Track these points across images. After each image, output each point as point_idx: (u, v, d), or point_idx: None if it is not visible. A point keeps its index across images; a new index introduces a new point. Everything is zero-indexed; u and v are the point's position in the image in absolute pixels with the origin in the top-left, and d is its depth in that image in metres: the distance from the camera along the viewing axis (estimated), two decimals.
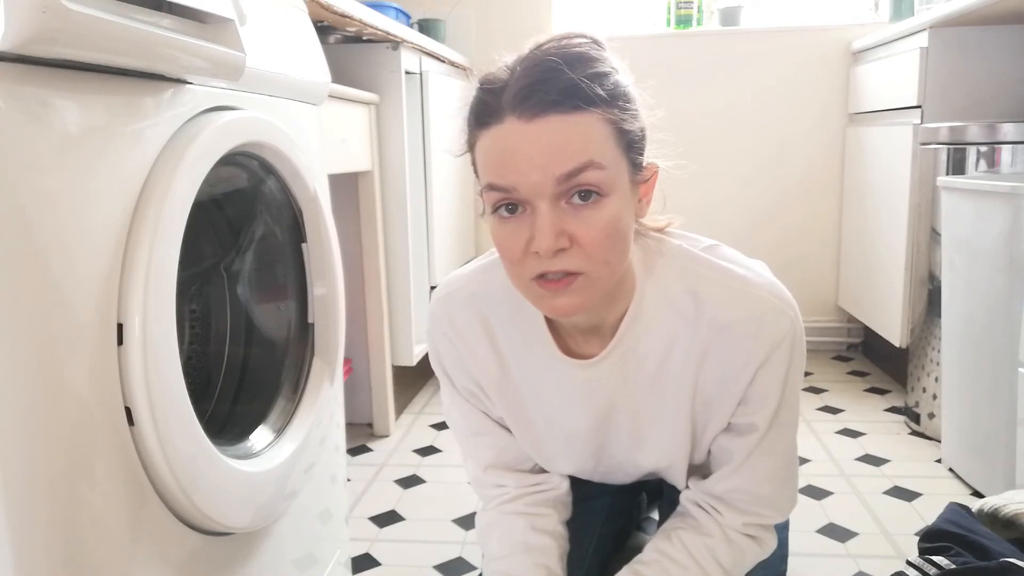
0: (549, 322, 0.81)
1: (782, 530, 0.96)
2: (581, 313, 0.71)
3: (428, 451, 1.67)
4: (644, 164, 0.73)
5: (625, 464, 0.90)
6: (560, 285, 0.68)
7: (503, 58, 0.71)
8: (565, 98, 0.65)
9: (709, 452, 0.86)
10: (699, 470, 0.89)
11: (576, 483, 0.96)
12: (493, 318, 0.84)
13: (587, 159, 0.65)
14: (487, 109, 0.68)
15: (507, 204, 0.68)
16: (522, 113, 0.66)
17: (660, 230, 0.83)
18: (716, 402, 0.81)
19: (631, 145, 0.70)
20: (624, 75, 0.72)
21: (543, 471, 0.94)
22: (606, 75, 0.69)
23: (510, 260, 0.70)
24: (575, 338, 0.82)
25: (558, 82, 0.66)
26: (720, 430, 0.83)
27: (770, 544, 0.86)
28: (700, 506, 0.86)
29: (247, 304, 0.97)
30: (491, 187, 0.68)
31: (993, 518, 0.86)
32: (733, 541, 0.84)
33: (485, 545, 0.91)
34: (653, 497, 1.25)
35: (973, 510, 0.88)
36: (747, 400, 0.79)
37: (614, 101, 0.68)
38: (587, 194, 0.66)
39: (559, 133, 0.65)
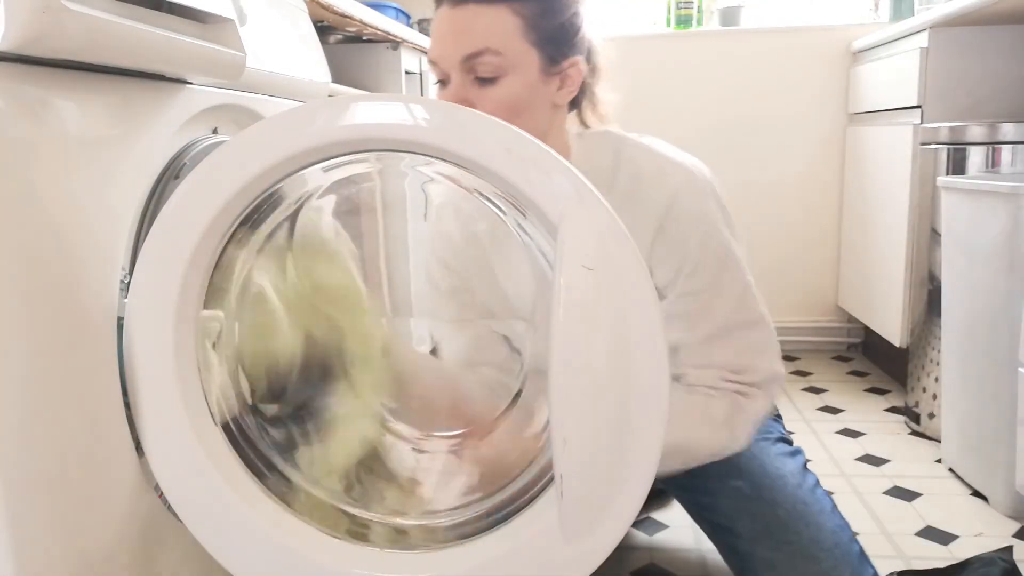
0: None
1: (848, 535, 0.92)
2: None
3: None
4: (565, 59, 0.85)
5: None
6: None
7: None
8: None
9: None
10: None
11: None
12: None
13: (484, 46, 0.80)
14: None
15: (440, 75, 0.85)
16: (451, 0, 0.81)
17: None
18: None
19: (547, 39, 0.83)
20: None
21: None
22: None
23: None
24: None
25: None
26: None
27: (762, 403, 0.87)
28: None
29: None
30: (428, 60, 0.85)
31: None
32: (716, 393, 0.86)
33: None
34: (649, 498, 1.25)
35: None
36: (661, 261, 0.86)
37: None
38: (486, 75, 0.81)
39: (468, 21, 0.80)
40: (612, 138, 0.93)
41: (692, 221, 0.86)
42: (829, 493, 0.96)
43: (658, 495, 1.20)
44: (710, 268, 0.86)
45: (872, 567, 0.88)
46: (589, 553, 0.58)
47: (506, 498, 0.70)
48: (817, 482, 0.95)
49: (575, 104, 0.94)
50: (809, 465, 1.56)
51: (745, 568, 0.91)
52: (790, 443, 1.02)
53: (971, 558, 1.06)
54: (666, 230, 0.85)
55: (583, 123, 0.96)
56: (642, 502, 0.58)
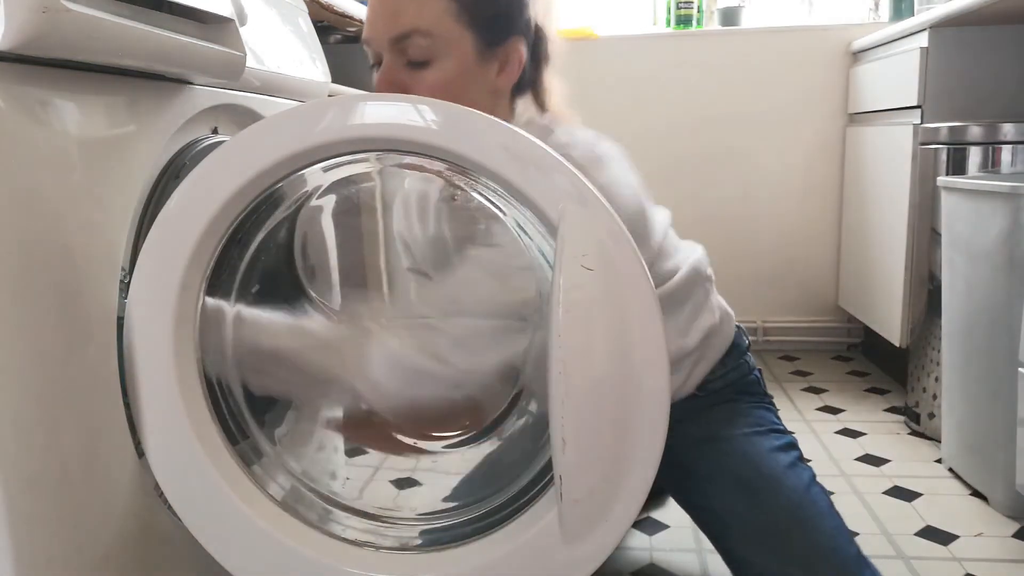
0: None
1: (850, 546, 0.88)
2: None
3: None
4: (504, 41, 0.84)
5: None
6: None
7: None
8: None
9: None
10: None
11: None
12: None
13: (412, 27, 0.79)
14: None
15: (373, 57, 0.83)
16: None
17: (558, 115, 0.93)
18: None
19: (483, 21, 0.81)
20: None
21: None
22: None
23: None
24: None
25: None
26: None
27: None
28: None
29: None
30: (362, 40, 0.83)
31: None
32: None
33: None
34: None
35: None
36: None
37: None
38: (416, 57, 0.80)
39: (398, 1, 0.79)
40: (542, 130, 0.87)
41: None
42: (830, 495, 0.95)
43: (658, 495, 1.20)
44: None
45: (871, 568, 0.85)
46: (589, 554, 0.58)
47: (506, 499, 0.70)
48: (813, 478, 0.92)
49: (520, 90, 0.92)
50: (808, 465, 1.56)
51: (741, 573, 0.89)
52: (783, 432, 0.98)
53: None
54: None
55: (541, 106, 0.94)
56: (642, 503, 0.58)
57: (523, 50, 0.86)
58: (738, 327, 1.05)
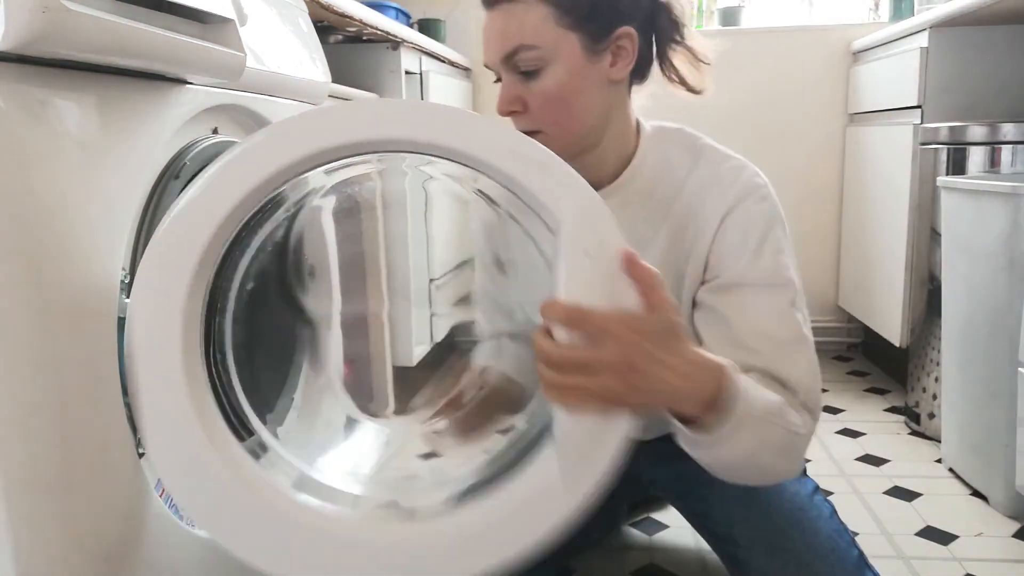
0: None
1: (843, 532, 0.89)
2: None
3: (428, 454, 1.66)
4: (611, 31, 0.82)
5: None
6: None
7: None
8: None
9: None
10: None
11: None
12: None
13: (517, 43, 0.80)
14: None
15: (496, 77, 0.85)
16: (486, 3, 0.82)
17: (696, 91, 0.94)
18: (691, 257, 0.87)
19: (584, 19, 0.80)
20: None
21: None
22: None
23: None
24: None
25: None
26: (694, 288, 0.86)
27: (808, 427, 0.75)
28: None
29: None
30: (484, 64, 0.86)
31: None
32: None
33: None
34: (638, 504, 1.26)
35: None
36: (719, 254, 0.86)
37: None
38: (528, 69, 0.81)
39: (501, 21, 0.81)
40: (690, 135, 0.92)
41: (751, 221, 0.87)
42: (830, 495, 0.96)
43: (658, 497, 1.20)
44: (744, 256, 0.86)
45: (872, 571, 0.86)
46: (584, 476, 0.62)
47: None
48: (816, 488, 0.93)
49: (640, 73, 0.89)
50: (809, 465, 1.56)
51: (742, 575, 0.90)
52: None
53: None
54: (726, 224, 0.86)
55: (681, 81, 0.91)
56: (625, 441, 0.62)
57: (634, 33, 0.83)
58: None
